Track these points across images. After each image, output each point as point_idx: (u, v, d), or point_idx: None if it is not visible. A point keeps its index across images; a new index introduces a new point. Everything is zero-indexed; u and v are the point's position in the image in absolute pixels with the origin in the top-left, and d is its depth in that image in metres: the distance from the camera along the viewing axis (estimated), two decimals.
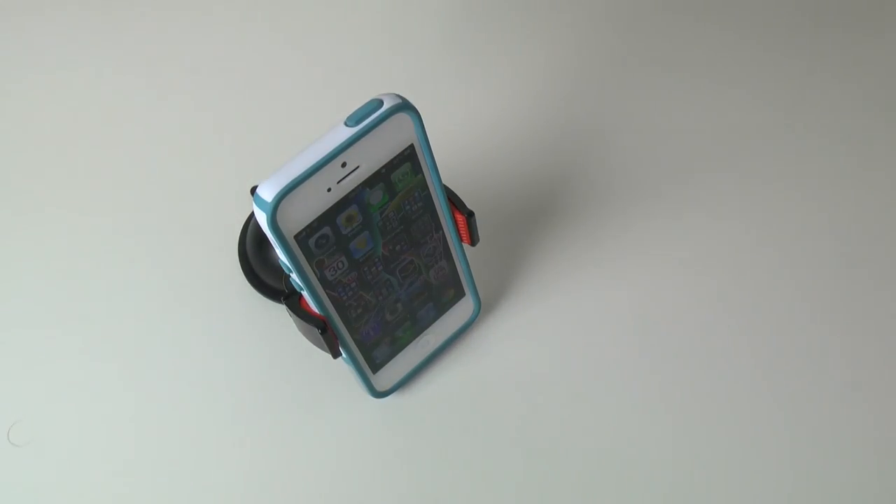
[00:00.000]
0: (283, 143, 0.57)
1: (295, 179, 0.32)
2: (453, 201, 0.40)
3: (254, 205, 0.33)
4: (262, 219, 0.33)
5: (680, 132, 0.56)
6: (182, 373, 0.48)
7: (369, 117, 0.33)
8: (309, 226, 0.34)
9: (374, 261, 0.38)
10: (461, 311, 0.46)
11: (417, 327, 0.44)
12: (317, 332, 0.38)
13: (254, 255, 0.49)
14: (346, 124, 0.33)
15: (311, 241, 0.35)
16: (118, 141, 0.55)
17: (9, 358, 0.49)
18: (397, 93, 0.35)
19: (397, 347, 0.44)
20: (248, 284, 0.50)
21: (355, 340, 0.41)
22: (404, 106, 0.34)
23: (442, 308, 0.45)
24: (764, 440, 0.42)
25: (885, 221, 0.50)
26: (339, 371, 0.47)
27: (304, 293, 0.37)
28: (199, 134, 0.58)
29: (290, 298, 0.38)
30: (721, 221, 0.51)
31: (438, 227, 0.40)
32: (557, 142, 0.57)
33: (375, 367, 0.44)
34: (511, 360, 0.47)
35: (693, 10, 0.62)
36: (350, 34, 0.60)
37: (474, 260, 0.51)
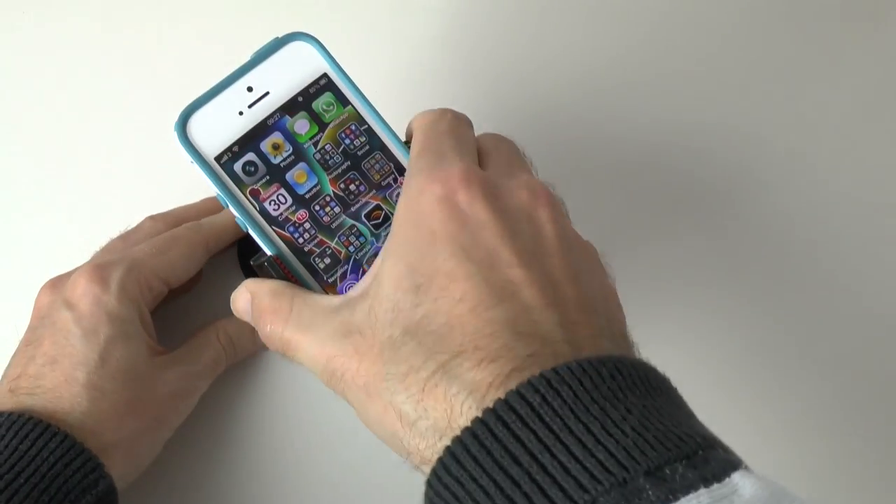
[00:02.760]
0: None
1: (199, 99, 0.37)
2: (408, 140, 0.40)
3: (174, 135, 0.36)
4: (175, 140, 0.36)
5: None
6: None
7: (268, 48, 0.38)
8: (229, 149, 0.37)
9: (326, 200, 0.39)
10: None
11: None
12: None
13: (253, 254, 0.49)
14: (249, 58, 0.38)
15: (237, 167, 0.37)
16: (116, 139, 0.55)
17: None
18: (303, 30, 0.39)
19: None
20: None
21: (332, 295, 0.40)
22: (300, 35, 0.38)
23: None
24: None
25: None
26: None
27: (249, 230, 0.37)
28: None
29: (254, 265, 0.38)
30: None
31: (400, 168, 0.40)
32: (561, 140, 0.56)
33: None
34: None
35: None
36: (347, 30, 0.60)
37: None
